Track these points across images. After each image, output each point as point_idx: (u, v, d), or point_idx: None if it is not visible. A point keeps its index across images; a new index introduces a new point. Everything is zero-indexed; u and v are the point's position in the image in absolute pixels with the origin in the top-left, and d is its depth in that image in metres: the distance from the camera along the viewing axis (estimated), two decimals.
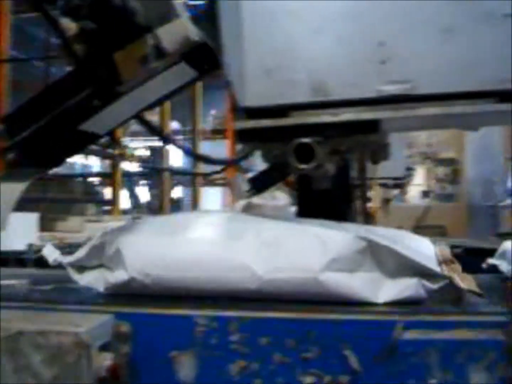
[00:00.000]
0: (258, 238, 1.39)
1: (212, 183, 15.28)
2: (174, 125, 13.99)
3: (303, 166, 1.41)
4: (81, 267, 1.57)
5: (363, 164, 2.26)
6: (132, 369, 1.23)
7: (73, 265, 1.58)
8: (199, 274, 1.36)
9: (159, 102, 1.65)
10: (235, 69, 1.44)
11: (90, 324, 1.16)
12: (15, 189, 1.60)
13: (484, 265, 1.73)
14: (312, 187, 1.90)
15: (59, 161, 1.67)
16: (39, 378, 1.14)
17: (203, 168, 12.24)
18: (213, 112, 18.07)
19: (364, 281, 1.31)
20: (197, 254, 1.39)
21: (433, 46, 1.38)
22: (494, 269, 1.63)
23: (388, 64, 1.38)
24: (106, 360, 1.16)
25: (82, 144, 1.66)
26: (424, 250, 1.47)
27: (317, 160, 1.40)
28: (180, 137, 14.99)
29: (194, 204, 11.40)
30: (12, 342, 1.15)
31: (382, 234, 1.45)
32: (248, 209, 6.51)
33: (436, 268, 1.32)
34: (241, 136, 1.49)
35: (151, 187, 14.95)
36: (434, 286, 1.31)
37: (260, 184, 3.01)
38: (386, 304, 1.28)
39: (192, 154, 2.78)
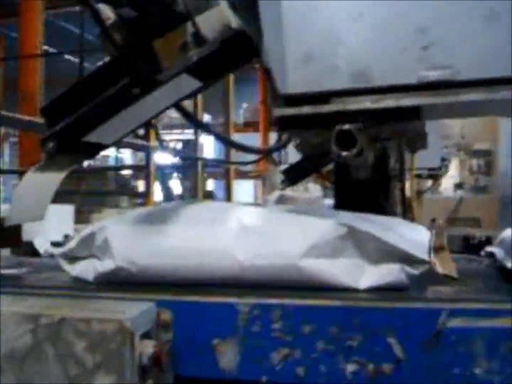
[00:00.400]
0: (241, 225, 1.41)
1: (244, 176, 15.32)
2: (207, 118, 14.03)
3: (344, 153, 1.40)
4: (72, 258, 1.60)
5: (402, 153, 2.23)
6: (173, 357, 1.23)
7: (64, 255, 1.62)
8: (183, 262, 1.40)
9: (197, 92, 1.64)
10: (275, 56, 1.43)
11: (133, 312, 1.16)
12: (54, 179, 1.60)
13: (482, 253, 1.74)
14: (350, 177, 1.89)
15: (97, 151, 1.67)
16: (82, 365, 1.14)
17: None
18: (244, 105, 18.11)
19: (345, 267, 1.33)
20: (181, 242, 1.42)
21: (475, 31, 1.35)
22: None
23: (430, 50, 1.36)
24: (148, 348, 1.16)
25: (125, 132, 1.65)
26: (417, 237, 1.48)
27: (358, 147, 1.39)
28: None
29: (228, 197, 11.40)
30: (55, 330, 1.15)
31: (373, 221, 1.48)
32: (281, 202, 6.53)
33: (418, 253, 1.33)
34: (281, 123, 1.48)
35: (183, 180, 15.00)
36: (416, 271, 1.33)
37: (294, 175, 3.01)
38: (430, 291, 1.27)
39: (228, 141, 2.78)
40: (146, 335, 1.17)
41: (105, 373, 1.13)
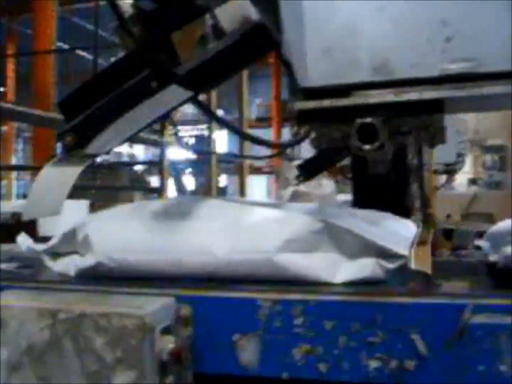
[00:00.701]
0: (218, 221, 1.42)
1: (258, 172, 15.31)
2: (220, 113, 14.02)
3: (366, 146, 1.38)
4: (54, 254, 1.61)
5: (421, 147, 2.21)
6: (193, 353, 1.21)
7: (47, 252, 1.62)
8: (161, 257, 1.41)
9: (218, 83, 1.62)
10: (296, 48, 1.41)
11: (152, 307, 1.15)
12: (70, 173, 1.60)
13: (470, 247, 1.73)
14: (368, 172, 1.87)
15: (117, 143, 1.66)
16: (102, 361, 1.13)
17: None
18: (257, 101, 18.10)
19: (320, 261, 1.34)
20: (159, 237, 1.43)
21: (499, 22, 1.33)
22: None
23: (453, 42, 1.34)
24: (168, 343, 1.15)
25: (141, 126, 1.64)
26: (402, 232, 1.50)
27: (380, 140, 1.37)
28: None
29: (241, 192, 11.39)
30: (74, 325, 1.14)
31: (360, 216, 1.53)
32: (295, 197, 6.53)
33: (394, 248, 1.34)
34: (301, 117, 1.46)
35: (196, 176, 15.02)
36: (391, 265, 1.33)
37: (308, 170, 2.99)
38: (454, 286, 1.25)
39: (244, 135, 2.77)
40: (166, 331, 1.16)
41: (125, 369, 1.11)
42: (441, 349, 1.13)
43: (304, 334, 1.19)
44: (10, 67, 14.81)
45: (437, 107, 1.40)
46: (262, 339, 1.20)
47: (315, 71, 1.40)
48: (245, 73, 11.50)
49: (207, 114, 1.85)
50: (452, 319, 1.13)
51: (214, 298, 1.24)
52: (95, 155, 1.66)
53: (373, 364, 1.16)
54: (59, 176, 1.56)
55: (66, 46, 14.61)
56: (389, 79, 1.38)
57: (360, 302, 1.18)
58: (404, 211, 1.86)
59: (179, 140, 2.15)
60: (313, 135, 2.07)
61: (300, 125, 1.71)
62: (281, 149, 3.04)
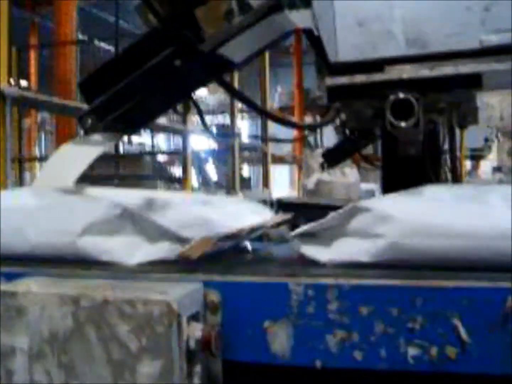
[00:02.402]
0: (34, 205, 1.48)
1: (280, 161, 15.25)
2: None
3: (401, 123, 1.31)
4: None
5: (453, 128, 2.14)
6: (221, 341, 1.16)
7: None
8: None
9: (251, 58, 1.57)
10: (326, 22, 1.35)
11: (179, 292, 1.09)
12: (89, 152, 1.55)
13: None
14: (399, 154, 1.80)
15: (139, 125, 1.61)
16: (126, 349, 1.08)
17: (273, 146, 12.23)
18: (279, 89, 18.06)
19: (120, 244, 1.40)
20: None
21: None
22: None
23: (492, 11, 1.27)
24: (196, 331, 1.09)
25: (163, 107, 1.59)
26: (251, 217, 1.65)
27: (416, 116, 1.30)
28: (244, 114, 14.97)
29: (265, 181, 11.36)
30: (98, 312, 1.09)
31: (203, 201, 1.68)
32: (319, 186, 6.48)
33: (182, 233, 1.40)
34: (332, 94, 1.40)
35: (219, 165, 14.98)
36: (179, 248, 1.37)
37: (333, 158, 2.94)
38: (500, 270, 1.18)
39: (268, 114, 2.69)
40: (193, 318, 1.11)
41: (151, 357, 1.06)
42: (484, 335, 1.07)
43: (338, 320, 1.12)
44: (32, 59, 14.86)
45: (475, 82, 1.33)
46: (294, 326, 1.14)
47: (346, 45, 1.35)
48: (266, 62, 11.48)
49: (231, 92, 1.79)
50: (496, 303, 1.06)
51: (244, 283, 1.18)
52: (117, 138, 1.61)
53: (412, 351, 1.09)
54: (77, 154, 1.52)
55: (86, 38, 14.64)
56: (424, 53, 1.32)
57: (398, 286, 1.11)
58: None
59: (204, 123, 2.09)
60: (338, 121, 2.01)
61: (331, 102, 1.64)
62: (305, 131, 2.98)
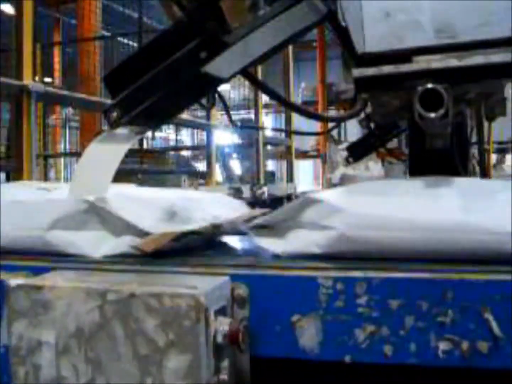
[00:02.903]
0: (9, 200, 1.54)
1: (304, 156, 15.22)
2: (265, 98, 13.96)
3: (431, 114, 1.29)
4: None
5: (481, 120, 2.11)
6: (249, 336, 1.14)
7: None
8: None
9: (282, 46, 1.54)
10: (353, 12, 1.33)
11: (207, 286, 1.08)
12: (117, 150, 1.54)
13: None
14: (426, 147, 1.78)
15: (164, 119, 1.60)
16: (153, 344, 1.07)
17: (297, 141, 12.21)
18: (302, 84, 18.00)
19: (87, 238, 1.43)
20: None
21: None
22: None
23: None
24: (224, 325, 1.08)
25: (188, 101, 1.58)
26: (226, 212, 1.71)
27: (445, 107, 1.28)
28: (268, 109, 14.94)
29: (290, 176, 11.34)
30: (124, 306, 1.08)
31: (187, 197, 1.75)
32: (343, 180, 6.46)
33: (141, 226, 1.42)
34: (359, 85, 1.37)
35: (243, 160, 14.96)
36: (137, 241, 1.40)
37: (358, 152, 2.92)
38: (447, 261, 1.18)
39: (293, 106, 2.67)
40: (221, 312, 1.10)
41: (178, 352, 1.05)
42: None
43: (368, 314, 1.11)
44: (56, 56, 14.93)
45: (506, 72, 1.30)
46: (323, 320, 1.13)
47: (373, 35, 1.32)
48: (290, 57, 11.45)
49: (256, 84, 1.78)
50: None
51: (272, 277, 1.17)
52: (143, 131, 1.60)
53: (443, 346, 1.07)
54: (105, 154, 1.51)
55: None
56: (453, 42, 1.29)
57: (428, 279, 1.09)
58: None
59: (229, 116, 2.08)
60: (363, 115, 1.99)
61: (359, 92, 1.62)
62: (329, 125, 2.95)
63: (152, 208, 1.55)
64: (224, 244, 1.64)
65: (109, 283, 1.13)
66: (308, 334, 1.13)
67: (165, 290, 1.07)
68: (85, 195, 1.45)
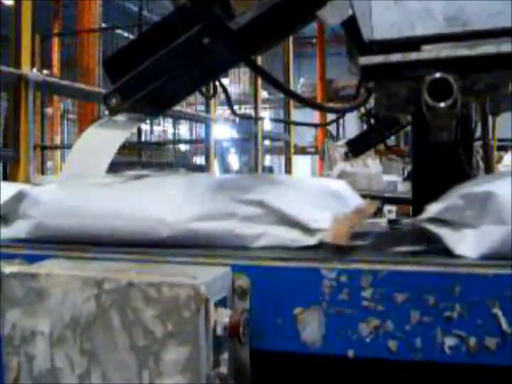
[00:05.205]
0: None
1: (302, 152, 15.20)
2: (265, 94, 13.96)
3: (440, 104, 1.25)
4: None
5: (486, 114, 2.07)
6: (250, 328, 1.11)
7: None
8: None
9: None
10: None
11: (207, 276, 1.05)
12: (116, 136, 1.51)
13: None
14: (430, 141, 1.75)
15: (164, 106, 1.56)
16: (151, 335, 1.03)
17: (295, 137, 12.21)
18: (302, 80, 17.99)
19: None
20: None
21: None
22: None
23: None
24: (224, 317, 1.05)
25: (189, 88, 1.55)
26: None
27: (454, 96, 1.25)
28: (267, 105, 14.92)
29: (288, 171, 11.32)
30: (121, 295, 1.05)
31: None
32: (342, 177, 6.45)
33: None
34: (366, 73, 1.34)
35: (241, 155, 14.95)
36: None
37: (357, 147, 2.89)
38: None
39: (293, 94, 2.64)
40: (221, 303, 1.06)
41: (177, 344, 1.02)
42: None
43: (372, 308, 1.07)
44: (55, 47, 14.88)
45: None
46: (326, 313, 1.09)
47: (381, 23, 1.29)
48: (290, 52, 11.44)
49: (259, 72, 1.74)
50: None
51: (274, 268, 1.14)
52: (143, 119, 1.57)
53: (449, 341, 1.04)
54: (103, 139, 1.48)
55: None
56: (464, 30, 1.26)
57: (435, 273, 1.06)
58: None
59: (230, 106, 2.05)
60: (362, 110, 1.96)
61: (365, 83, 1.58)
62: (340, 114, 2.92)
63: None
64: None
65: (106, 271, 1.10)
66: (310, 327, 1.10)
67: (164, 279, 1.04)
68: (79, 178, 1.42)
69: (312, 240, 1.27)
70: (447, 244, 1.21)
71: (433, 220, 1.26)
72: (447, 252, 1.18)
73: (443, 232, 1.23)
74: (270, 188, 1.37)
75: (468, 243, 1.18)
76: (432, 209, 1.26)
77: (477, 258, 1.14)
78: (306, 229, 1.29)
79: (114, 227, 1.33)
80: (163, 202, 1.33)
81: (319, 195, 1.42)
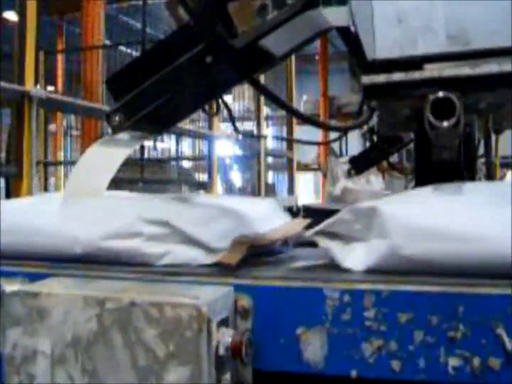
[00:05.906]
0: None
1: (305, 168, 15.21)
2: (267, 111, 13.96)
3: (443, 123, 1.25)
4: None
5: (489, 133, 2.07)
6: (252, 348, 1.11)
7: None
8: None
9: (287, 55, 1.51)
10: (364, 18, 1.30)
11: (209, 296, 1.04)
12: (118, 154, 1.51)
13: None
14: (433, 159, 1.74)
15: (167, 125, 1.56)
16: (153, 355, 1.03)
17: (298, 154, 12.21)
18: (304, 97, 18.01)
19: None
20: None
21: None
22: None
23: None
24: (226, 337, 1.04)
25: (192, 106, 1.54)
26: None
27: (457, 115, 1.24)
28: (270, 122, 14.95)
29: (290, 189, 11.33)
30: (123, 315, 1.05)
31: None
32: (344, 194, 6.42)
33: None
34: (368, 92, 1.34)
35: (243, 172, 14.95)
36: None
37: (360, 164, 2.89)
38: None
39: (295, 112, 2.63)
40: (223, 323, 1.06)
41: (179, 364, 1.02)
42: None
43: (375, 328, 1.07)
44: (59, 64, 14.93)
45: None
46: (329, 333, 1.09)
47: (384, 42, 1.29)
48: (292, 69, 11.46)
49: (261, 91, 1.74)
50: None
51: (276, 288, 1.13)
52: (146, 136, 1.57)
53: (453, 362, 1.04)
54: (105, 157, 1.48)
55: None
56: (466, 50, 1.26)
57: (439, 293, 1.05)
58: None
59: (233, 123, 2.05)
60: (366, 128, 1.95)
61: (367, 101, 1.59)
62: (344, 131, 2.92)
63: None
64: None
65: (108, 291, 1.09)
66: (313, 347, 1.09)
67: (166, 299, 1.03)
68: (81, 196, 1.42)
69: (209, 259, 1.32)
70: (334, 257, 1.23)
71: (326, 233, 1.28)
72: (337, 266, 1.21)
73: (332, 245, 1.25)
74: (177, 208, 1.43)
75: (355, 256, 1.21)
76: (324, 223, 1.28)
77: (363, 271, 1.17)
78: (207, 249, 1.35)
79: (35, 243, 1.39)
80: (78, 220, 1.39)
81: (228, 216, 1.47)
